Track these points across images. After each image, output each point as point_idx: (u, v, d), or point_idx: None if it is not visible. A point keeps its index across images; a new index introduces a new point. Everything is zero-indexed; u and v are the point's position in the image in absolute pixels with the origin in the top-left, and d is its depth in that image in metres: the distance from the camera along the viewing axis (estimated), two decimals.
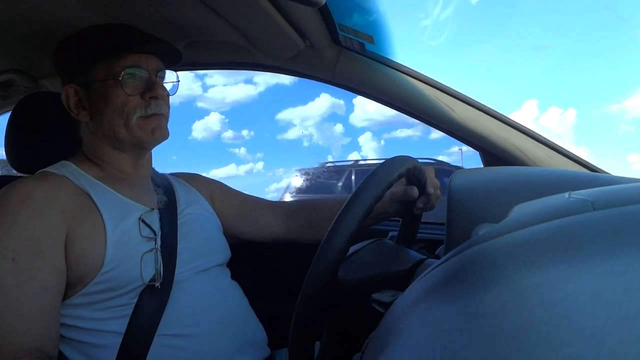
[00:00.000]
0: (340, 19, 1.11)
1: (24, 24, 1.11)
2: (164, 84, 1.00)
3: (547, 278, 0.23)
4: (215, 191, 1.19)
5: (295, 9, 1.01)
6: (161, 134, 0.97)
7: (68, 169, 0.93)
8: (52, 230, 0.82)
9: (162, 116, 0.97)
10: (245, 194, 1.24)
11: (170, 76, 1.04)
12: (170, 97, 1.02)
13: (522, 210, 0.36)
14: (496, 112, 1.17)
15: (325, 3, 0.80)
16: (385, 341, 0.32)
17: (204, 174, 1.26)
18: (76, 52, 0.96)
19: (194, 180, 1.18)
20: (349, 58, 1.23)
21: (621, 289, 0.20)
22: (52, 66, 1.33)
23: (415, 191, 0.89)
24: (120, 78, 0.91)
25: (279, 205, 1.23)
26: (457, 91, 1.19)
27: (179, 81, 1.06)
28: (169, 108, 1.00)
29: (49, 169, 0.93)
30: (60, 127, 1.06)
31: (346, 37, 1.18)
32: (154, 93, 0.94)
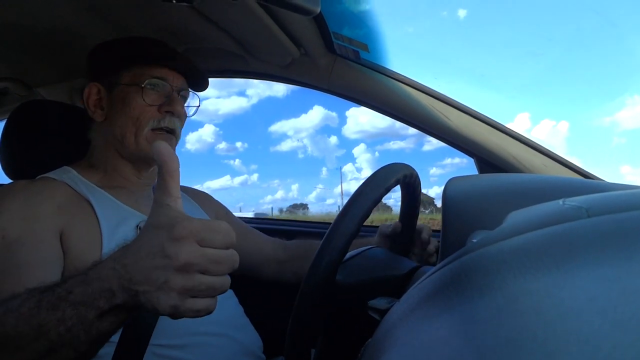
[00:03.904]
0: (335, 28, 1.12)
1: (18, 32, 1.11)
2: (187, 108, 1.04)
3: (542, 284, 0.24)
4: (220, 213, 1.21)
5: (290, 17, 1.02)
6: None
7: (68, 175, 0.93)
8: (46, 218, 0.82)
9: (172, 136, 0.98)
10: (248, 227, 1.25)
11: (193, 101, 1.08)
12: (186, 118, 1.04)
13: (516, 217, 0.36)
14: (491, 119, 1.18)
15: (320, 11, 0.80)
16: (381, 348, 0.32)
17: (197, 186, 1.26)
18: (110, 55, 0.98)
19: (200, 197, 1.19)
20: (344, 66, 1.24)
21: (615, 294, 0.21)
22: (47, 74, 1.34)
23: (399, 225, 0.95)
24: (143, 85, 0.94)
25: (278, 241, 1.24)
26: (451, 99, 1.19)
27: (199, 106, 1.08)
28: (181, 128, 1.01)
29: (49, 174, 0.94)
30: (56, 136, 1.06)
31: (341, 45, 1.19)
32: (171, 108, 0.96)
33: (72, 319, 0.53)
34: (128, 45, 0.99)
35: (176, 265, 0.49)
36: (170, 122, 0.96)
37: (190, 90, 1.06)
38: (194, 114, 1.08)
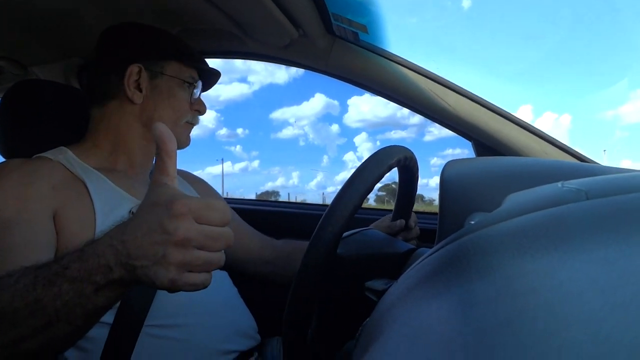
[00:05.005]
0: (335, 8, 1.11)
1: (12, 10, 1.09)
2: None
3: (541, 265, 0.24)
4: None
5: None
6: (188, 143, 1.08)
7: (65, 156, 0.92)
8: (41, 197, 0.82)
9: (193, 128, 1.09)
10: (239, 220, 1.25)
11: None
12: None
13: (515, 199, 0.36)
14: (489, 102, 1.17)
15: None
16: (379, 328, 0.32)
17: (198, 172, 1.26)
18: (156, 41, 1.03)
19: (198, 183, 1.21)
20: (343, 48, 1.23)
21: (615, 275, 0.21)
22: (42, 53, 1.32)
23: (402, 222, 0.99)
24: (195, 84, 1.04)
25: (266, 239, 1.24)
26: (450, 82, 1.19)
27: None
28: None
29: (44, 154, 0.93)
30: (51, 115, 1.05)
31: (340, 26, 1.18)
32: (201, 107, 1.08)
33: (68, 294, 0.54)
34: (173, 39, 1.06)
35: (175, 240, 0.51)
36: (197, 120, 1.09)
37: None
38: None
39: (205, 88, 1.13)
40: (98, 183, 0.90)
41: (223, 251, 0.56)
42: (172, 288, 0.52)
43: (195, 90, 1.05)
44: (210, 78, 1.13)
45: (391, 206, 1.02)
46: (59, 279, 0.55)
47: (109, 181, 0.92)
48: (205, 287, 0.55)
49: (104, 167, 0.95)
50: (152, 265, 0.51)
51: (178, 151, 1.01)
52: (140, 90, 0.98)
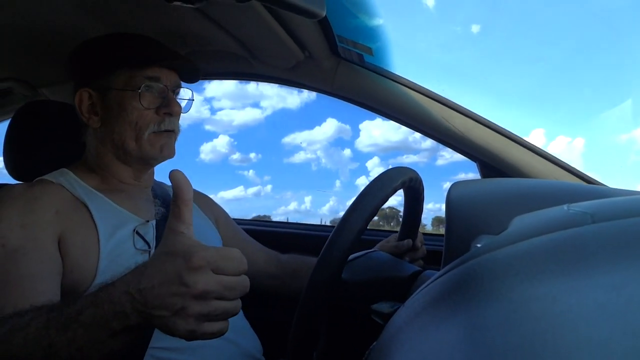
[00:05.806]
0: (340, 31, 1.12)
1: (22, 32, 1.11)
2: (179, 100, 1.00)
3: (550, 290, 0.24)
4: (221, 218, 1.18)
5: (295, 20, 1.02)
6: (168, 152, 0.97)
7: (66, 177, 0.92)
8: (45, 224, 0.81)
9: (172, 134, 0.97)
10: (245, 235, 1.23)
11: (185, 93, 1.04)
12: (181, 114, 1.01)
13: (521, 222, 0.36)
14: (494, 123, 1.18)
15: (325, 15, 0.81)
16: (387, 352, 0.32)
17: (212, 197, 1.24)
18: (96, 57, 0.95)
19: (201, 199, 1.17)
20: (348, 69, 1.24)
21: (623, 300, 0.21)
22: (51, 74, 1.34)
23: (409, 242, 0.97)
24: (139, 90, 0.91)
25: (272, 253, 1.21)
26: (454, 102, 1.19)
27: (193, 99, 1.05)
28: (178, 122, 1.00)
29: (46, 176, 0.93)
30: (59, 136, 1.06)
31: (345, 48, 1.19)
32: (170, 109, 0.94)
33: (83, 339, 0.54)
34: (115, 46, 0.95)
35: (194, 294, 0.51)
36: (170, 124, 0.95)
37: (183, 85, 1.03)
38: (188, 109, 1.05)
39: (188, 79, 1.03)
40: (100, 204, 0.89)
41: (239, 299, 0.57)
42: (191, 338, 0.53)
43: (150, 92, 0.93)
44: (183, 67, 1.00)
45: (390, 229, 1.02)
46: (73, 324, 0.55)
47: (110, 201, 0.91)
48: (222, 335, 0.55)
49: (104, 188, 0.94)
50: (171, 316, 0.52)
51: (164, 165, 1.00)
52: (97, 114, 0.94)
